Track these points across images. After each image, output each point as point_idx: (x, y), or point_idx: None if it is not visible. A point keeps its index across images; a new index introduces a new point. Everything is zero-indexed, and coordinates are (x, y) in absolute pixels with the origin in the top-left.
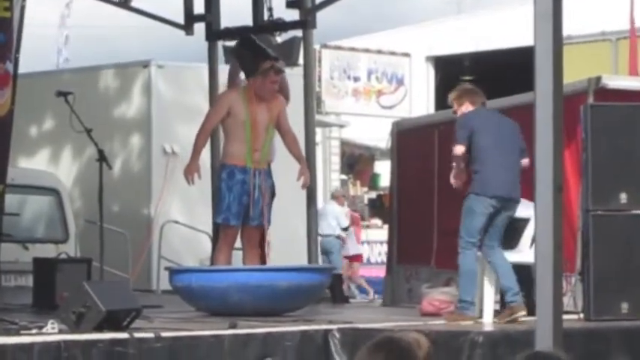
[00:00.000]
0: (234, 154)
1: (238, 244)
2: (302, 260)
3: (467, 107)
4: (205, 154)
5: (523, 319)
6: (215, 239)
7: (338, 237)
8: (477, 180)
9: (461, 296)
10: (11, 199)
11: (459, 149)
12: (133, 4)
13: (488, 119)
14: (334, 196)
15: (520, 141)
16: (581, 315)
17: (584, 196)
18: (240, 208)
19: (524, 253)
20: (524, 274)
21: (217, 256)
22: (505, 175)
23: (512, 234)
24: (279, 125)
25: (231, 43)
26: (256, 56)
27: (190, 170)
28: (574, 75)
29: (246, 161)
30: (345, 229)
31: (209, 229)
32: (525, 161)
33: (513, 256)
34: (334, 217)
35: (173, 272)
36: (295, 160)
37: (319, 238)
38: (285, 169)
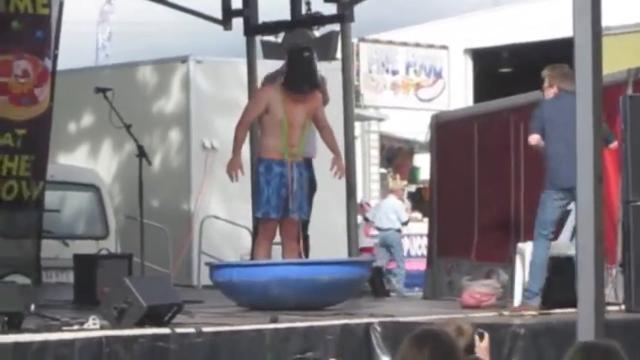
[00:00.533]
0: (271, 148)
1: (277, 238)
2: (342, 254)
3: (553, 92)
4: (245, 149)
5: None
6: (255, 234)
7: (398, 230)
8: (547, 173)
9: (527, 285)
10: (51, 196)
11: (533, 139)
12: None
13: (562, 108)
14: (393, 190)
15: None
16: (623, 306)
17: (624, 187)
18: (279, 201)
19: (564, 244)
20: (564, 265)
21: (257, 251)
22: (571, 167)
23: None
24: (316, 120)
25: (270, 38)
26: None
27: (234, 166)
28: (613, 66)
29: (283, 154)
30: (405, 224)
31: (249, 223)
32: (613, 145)
33: (553, 248)
34: (394, 210)
35: (213, 267)
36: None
37: (379, 232)
38: (326, 165)
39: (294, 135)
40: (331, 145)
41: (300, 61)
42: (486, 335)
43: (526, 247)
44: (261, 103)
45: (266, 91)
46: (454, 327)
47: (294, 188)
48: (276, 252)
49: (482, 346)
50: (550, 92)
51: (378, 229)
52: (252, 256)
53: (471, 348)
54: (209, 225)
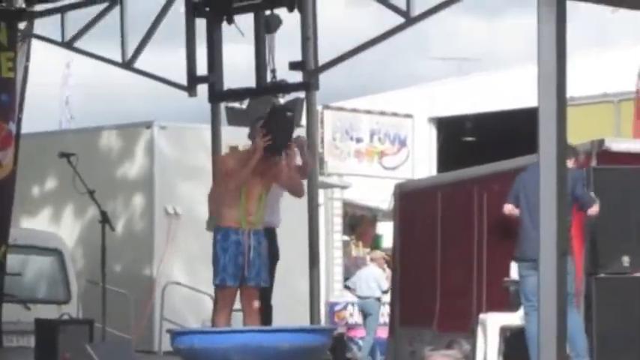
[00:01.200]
0: (228, 217)
1: (238, 305)
2: (304, 322)
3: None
4: (207, 215)
5: None
6: (215, 301)
7: (378, 299)
8: (517, 244)
9: None
10: (13, 260)
11: (506, 208)
12: (136, 65)
13: (533, 179)
14: (373, 259)
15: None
16: None
17: (586, 259)
18: (236, 269)
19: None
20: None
21: (217, 318)
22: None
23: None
24: (281, 182)
25: (234, 104)
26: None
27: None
28: (576, 136)
29: (240, 223)
30: (386, 292)
31: (211, 290)
32: (591, 210)
33: (514, 319)
34: (374, 279)
35: (175, 334)
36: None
37: (359, 300)
38: (289, 234)
39: (251, 204)
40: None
41: (283, 120)
42: None
43: (487, 318)
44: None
45: (226, 157)
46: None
47: (251, 256)
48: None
49: None
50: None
51: (359, 297)
52: (213, 323)
53: None
54: (171, 291)
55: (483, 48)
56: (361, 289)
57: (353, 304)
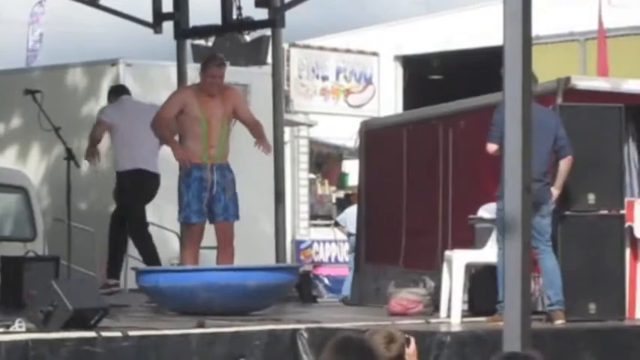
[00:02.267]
0: (190, 152)
1: (205, 242)
2: (271, 260)
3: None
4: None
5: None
6: (181, 238)
7: None
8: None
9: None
10: None
11: (490, 148)
12: (102, 2)
13: None
14: (353, 194)
15: (548, 137)
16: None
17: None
18: (200, 205)
19: (490, 252)
20: (489, 273)
21: (184, 255)
22: None
23: (480, 234)
24: (240, 116)
25: (200, 42)
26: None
27: (183, 154)
28: (543, 75)
29: (202, 158)
30: None
31: (177, 228)
32: (564, 160)
33: (480, 257)
34: None
35: (140, 272)
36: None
37: (349, 237)
38: (254, 171)
39: (213, 133)
40: (256, 134)
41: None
42: (412, 340)
43: (453, 255)
44: (176, 101)
45: (179, 92)
46: (384, 334)
47: (215, 190)
48: (209, 258)
49: (409, 352)
50: None
51: (349, 234)
52: (181, 260)
53: (401, 355)
54: None
55: None
56: (352, 226)
57: (319, 242)
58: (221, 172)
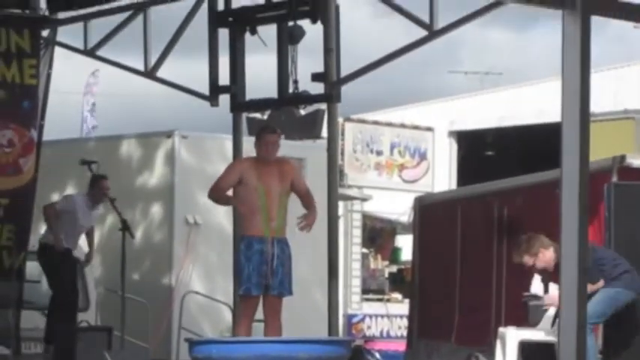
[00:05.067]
0: (251, 225)
1: (259, 315)
2: (323, 333)
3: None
4: (227, 225)
5: None
6: (236, 311)
7: None
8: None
9: None
10: (32, 267)
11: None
12: (159, 74)
13: None
14: None
15: None
16: None
17: None
18: (260, 279)
19: (545, 331)
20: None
21: (238, 328)
22: None
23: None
24: (296, 189)
25: (256, 115)
26: None
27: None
28: (596, 153)
29: (263, 231)
30: None
31: (229, 299)
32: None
33: (534, 335)
34: None
35: (193, 343)
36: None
37: None
38: (308, 245)
39: (272, 206)
40: (306, 205)
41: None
42: None
43: (507, 332)
44: (235, 172)
45: (239, 161)
46: None
47: (275, 264)
48: (258, 330)
49: None
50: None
51: None
52: (233, 332)
53: None
54: (189, 300)
55: (510, 61)
56: None
57: (370, 317)
58: (280, 246)
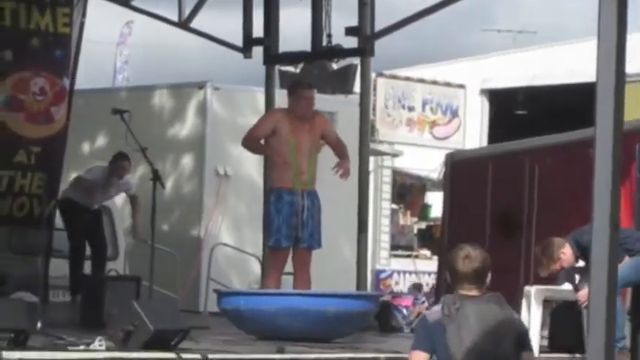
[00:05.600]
0: (281, 178)
1: (287, 268)
2: (351, 288)
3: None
4: (258, 177)
5: None
6: (265, 262)
7: None
8: None
9: None
10: None
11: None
12: (193, 25)
13: None
14: None
15: None
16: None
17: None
18: (290, 230)
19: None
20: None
21: (268, 280)
22: None
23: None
24: (327, 140)
25: (288, 68)
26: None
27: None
28: (629, 114)
29: (293, 183)
30: None
31: (258, 252)
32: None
33: (558, 293)
34: None
35: (221, 294)
36: (345, 195)
37: None
38: (337, 200)
39: (302, 160)
40: (340, 154)
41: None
42: None
43: (532, 291)
44: (269, 122)
45: (273, 112)
46: (464, 250)
47: (305, 216)
48: (286, 282)
49: None
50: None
51: None
52: (262, 284)
53: (481, 274)
54: (218, 252)
55: (544, 20)
56: None
57: (399, 273)
58: (310, 199)
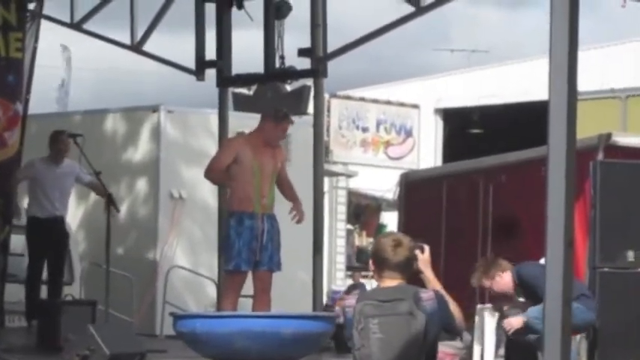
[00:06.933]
0: (243, 201)
1: (245, 290)
2: (306, 309)
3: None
4: (212, 200)
5: None
6: (222, 285)
7: None
8: None
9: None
10: (17, 240)
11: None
12: (145, 48)
13: None
14: None
15: None
16: None
17: (591, 253)
18: (250, 254)
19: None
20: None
21: (225, 303)
22: None
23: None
24: (280, 174)
25: (242, 90)
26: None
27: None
28: (582, 131)
29: (254, 206)
30: None
31: (213, 274)
32: None
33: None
34: None
35: (177, 317)
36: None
37: None
38: (292, 221)
39: (264, 184)
40: (291, 196)
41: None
42: (427, 248)
43: (485, 310)
44: (231, 151)
45: (233, 140)
46: (392, 238)
47: (265, 239)
48: (242, 305)
49: (423, 259)
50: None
51: None
52: (219, 307)
53: (410, 260)
54: (174, 275)
55: (497, 40)
56: None
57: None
58: (270, 222)
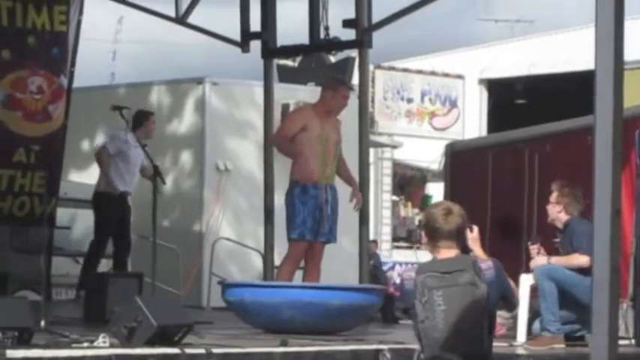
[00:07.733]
0: (307, 170)
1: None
2: (352, 280)
3: (560, 214)
4: (257, 171)
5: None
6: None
7: None
8: None
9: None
10: (63, 213)
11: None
12: (190, 20)
13: None
14: None
15: None
16: (633, 341)
17: (637, 221)
18: (314, 224)
19: None
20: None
21: (283, 271)
22: None
23: None
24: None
25: (286, 62)
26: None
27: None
28: (628, 101)
29: (319, 176)
30: None
31: (259, 246)
32: None
33: None
34: None
35: (226, 286)
36: (346, 187)
37: None
38: (338, 193)
39: (329, 154)
40: (347, 178)
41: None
42: (475, 228)
43: (522, 278)
44: (298, 120)
45: (302, 109)
46: (442, 207)
47: (328, 211)
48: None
49: (472, 237)
50: (555, 212)
51: None
52: (277, 275)
53: (462, 228)
54: (220, 247)
55: (542, 9)
56: None
57: (400, 264)
58: (332, 193)
